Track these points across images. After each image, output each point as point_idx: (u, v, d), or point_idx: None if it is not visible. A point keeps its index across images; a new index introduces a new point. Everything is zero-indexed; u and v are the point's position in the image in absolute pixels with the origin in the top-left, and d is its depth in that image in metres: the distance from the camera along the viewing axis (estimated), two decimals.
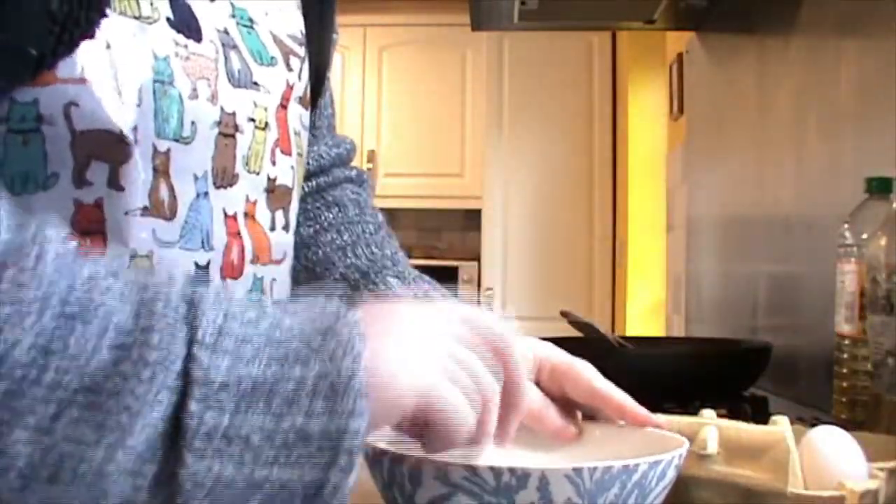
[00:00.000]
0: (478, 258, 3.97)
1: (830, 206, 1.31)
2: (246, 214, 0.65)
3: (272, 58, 0.68)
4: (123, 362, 0.40)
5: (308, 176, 0.86)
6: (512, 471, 0.51)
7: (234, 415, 0.41)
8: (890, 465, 0.65)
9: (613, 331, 3.35)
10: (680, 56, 2.46)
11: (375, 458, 0.55)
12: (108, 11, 0.54)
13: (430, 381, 0.47)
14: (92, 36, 0.53)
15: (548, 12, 2.03)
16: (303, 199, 0.83)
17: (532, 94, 3.91)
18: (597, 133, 3.90)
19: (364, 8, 4.17)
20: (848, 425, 0.74)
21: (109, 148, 0.55)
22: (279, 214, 0.69)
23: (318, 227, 0.85)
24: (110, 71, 0.54)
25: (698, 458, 0.66)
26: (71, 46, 0.52)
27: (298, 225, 0.80)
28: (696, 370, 1.23)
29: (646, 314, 3.23)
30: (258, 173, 0.66)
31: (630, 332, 3.20)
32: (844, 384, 1.02)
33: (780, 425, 0.66)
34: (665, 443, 0.60)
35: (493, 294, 3.87)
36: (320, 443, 0.42)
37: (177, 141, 0.58)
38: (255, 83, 0.65)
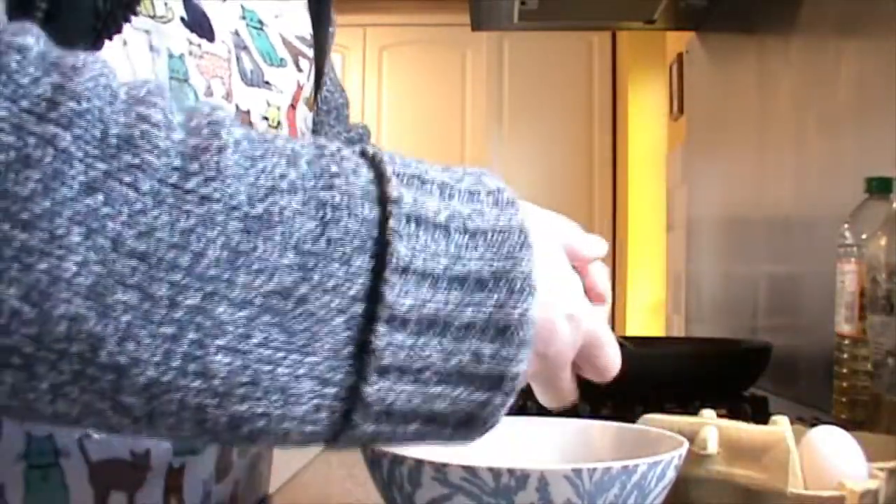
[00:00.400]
0: None
1: (830, 206, 1.31)
2: None
3: (282, 59, 0.68)
4: (310, 269, 0.40)
5: None
6: (511, 472, 0.51)
7: (417, 339, 0.42)
8: (890, 465, 0.65)
9: (613, 331, 3.34)
10: (680, 56, 2.46)
11: (375, 459, 0.55)
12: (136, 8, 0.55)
13: (593, 324, 0.50)
14: (120, 31, 0.54)
15: (548, 12, 2.03)
16: None
17: (532, 94, 3.91)
18: (597, 133, 3.90)
19: (364, 8, 4.17)
20: (848, 425, 0.74)
21: None
22: None
23: None
24: (128, 68, 0.55)
25: (698, 458, 0.66)
26: (103, 42, 0.53)
27: None
28: (696, 370, 1.23)
29: (646, 314, 3.23)
30: None
31: (630, 332, 3.20)
32: (844, 384, 1.02)
33: (780, 425, 0.66)
34: (665, 443, 0.60)
35: None
36: (482, 380, 0.44)
37: None
38: (267, 83, 0.66)
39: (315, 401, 0.41)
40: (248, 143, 0.40)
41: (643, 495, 0.53)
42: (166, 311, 0.37)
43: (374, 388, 0.41)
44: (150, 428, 0.40)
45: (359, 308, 0.41)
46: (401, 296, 0.41)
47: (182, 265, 0.37)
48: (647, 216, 3.25)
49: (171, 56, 0.57)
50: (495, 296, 0.43)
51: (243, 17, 0.65)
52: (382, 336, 0.41)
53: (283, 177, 0.40)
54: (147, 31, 0.56)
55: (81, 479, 0.55)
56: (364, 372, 0.41)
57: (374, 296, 0.41)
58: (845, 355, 1.02)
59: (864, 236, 0.99)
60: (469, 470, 0.51)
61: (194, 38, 0.59)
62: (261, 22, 0.67)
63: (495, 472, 0.51)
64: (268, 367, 0.39)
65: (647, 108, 3.28)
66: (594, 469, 0.51)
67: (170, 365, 0.38)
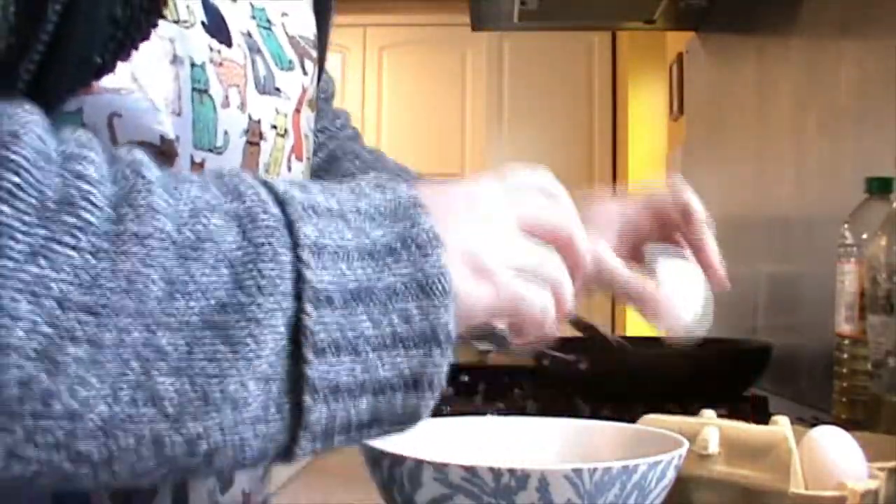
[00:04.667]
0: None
1: (830, 206, 1.31)
2: None
3: (290, 61, 0.67)
4: (242, 278, 0.42)
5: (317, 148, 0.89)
6: (511, 472, 0.51)
7: (345, 313, 0.44)
8: (890, 465, 0.65)
9: (613, 331, 3.34)
10: (680, 56, 2.46)
11: (375, 459, 0.55)
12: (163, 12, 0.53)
13: (509, 286, 0.50)
14: (147, 38, 0.52)
15: (548, 12, 2.03)
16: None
17: (532, 94, 3.91)
18: (597, 133, 3.90)
19: (364, 8, 4.17)
20: (848, 425, 0.74)
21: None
22: None
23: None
24: (152, 79, 0.54)
25: (699, 459, 0.66)
26: (129, 51, 0.52)
27: None
28: (696, 370, 1.23)
29: None
30: None
31: (630, 332, 3.20)
32: (844, 384, 1.02)
33: (781, 425, 0.66)
34: (665, 443, 0.60)
35: None
36: (417, 340, 0.45)
37: (211, 151, 0.58)
38: (278, 89, 0.65)
39: (261, 398, 0.42)
40: (164, 178, 0.43)
41: (643, 495, 0.53)
42: (113, 353, 0.39)
43: (316, 369, 0.43)
44: (109, 471, 0.41)
45: (291, 301, 0.43)
46: (320, 273, 0.43)
47: (129, 308, 0.39)
48: None
49: (193, 65, 0.56)
50: (405, 255, 0.45)
51: (253, 17, 0.64)
52: (312, 317, 0.43)
53: (198, 198, 0.43)
54: (171, 40, 0.55)
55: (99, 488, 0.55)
56: (303, 356, 0.43)
57: (299, 285, 0.43)
58: (845, 355, 1.02)
59: (864, 236, 0.99)
60: (469, 470, 0.51)
61: (214, 43, 0.58)
62: (269, 21, 0.66)
63: (496, 472, 0.51)
64: (215, 381, 0.41)
65: (647, 108, 3.28)
66: (594, 469, 0.51)
67: (119, 397, 0.39)
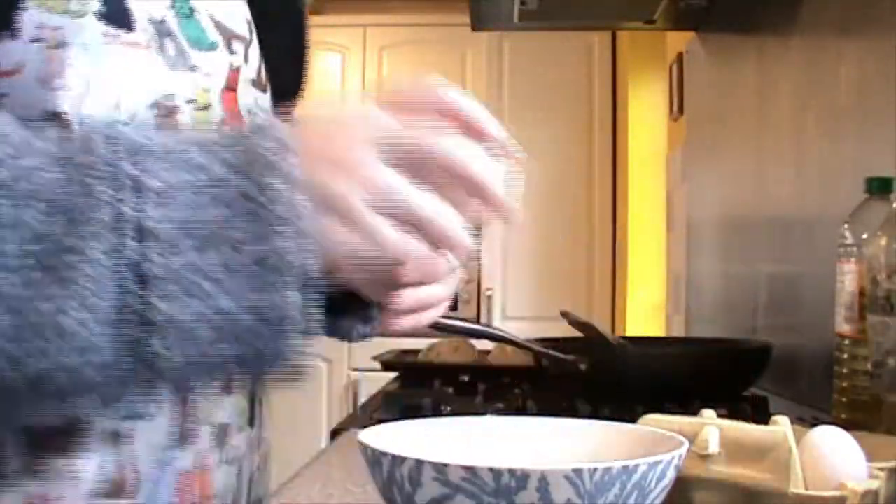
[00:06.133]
0: (477, 258, 3.97)
1: (830, 206, 1.31)
2: None
3: (212, 42, 0.70)
4: (70, 213, 0.44)
5: None
6: (511, 472, 0.51)
7: (175, 247, 0.45)
8: (890, 465, 0.65)
9: (613, 331, 3.34)
10: (680, 56, 2.46)
11: (375, 459, 0.55)
12: (28, 5, 0.56)
13: (375, 228, 0.50)
14: (8, 27, 0.55)
15: (548, 12, 2.03)
16: None
17: (532, 95, 3.91)
18: (597, 133, 3.90)
19: (364, 8, 4.17)
20: (848, 425, 0.74)
21: None
22: None
23: None
24: (37, 60, 0.57)
25: (699, 459, 0.66)
26: None
27: None
28: (696, 370, 1.23)
29: (646, 314, 3.23)
30: None
31: (630, 332, 3.20)
32: (844, 384, 1.02)
33: (781, 425, 0.66)
34: (665, 443, 0.60)
35: (492, 294, 3.87)
36: (261, 267, 0.46)
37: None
38: (193, 67, 0.67)
39: (95, 328, 0.44)
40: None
41: (643, 495, 0.53)
42: None
43: (160, 311, 0.45)
44: None
45: (120, 238, 0.44)
46: (150, 210, 0.45)
47: None
48: (647, 217, 3.25)
49: (86, 49, 0.59)
50: (241, 173, 0.47)
51: (172, 7, 0.67)
52: (151, 262, 0.44)
53: (24, 139, 0.46)
54: (56, 28, 0.58)
55: None
56: (146, 299, 0.44)
57: (131, 224, 0.45)
58: (845, 355, 1.02)
59: (864, 236, 0.99)
60: (469, 470, 0.51)
61: (111, 29, 0.61)
62: (192, 9, 0.68)
63: (496, 472, 0.51)
64: (50, 319, 0.43)
65: (647, 108, 3.28)
66: (594, 469, 0.51)
67: None
